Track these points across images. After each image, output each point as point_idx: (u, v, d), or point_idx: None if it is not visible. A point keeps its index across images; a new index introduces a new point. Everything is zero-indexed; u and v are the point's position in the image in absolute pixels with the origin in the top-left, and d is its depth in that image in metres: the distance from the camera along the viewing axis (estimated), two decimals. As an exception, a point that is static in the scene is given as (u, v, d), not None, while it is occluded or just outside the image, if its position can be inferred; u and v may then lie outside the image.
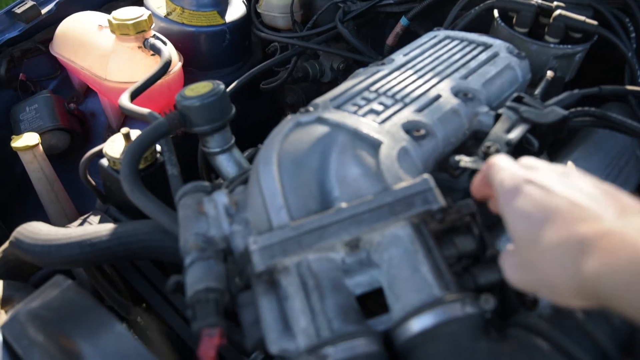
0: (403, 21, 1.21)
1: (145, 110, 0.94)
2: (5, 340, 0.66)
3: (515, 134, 0.66)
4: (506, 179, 0.50)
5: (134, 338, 0.56)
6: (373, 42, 1.43)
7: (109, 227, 0.84)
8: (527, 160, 0.53)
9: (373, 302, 0.62)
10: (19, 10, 1.25)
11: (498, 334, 0.54)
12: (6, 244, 0.93)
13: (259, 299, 0.58)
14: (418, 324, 0.52)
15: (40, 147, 1.15)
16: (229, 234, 0.64)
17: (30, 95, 1.31)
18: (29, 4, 1.25)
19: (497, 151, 0.64)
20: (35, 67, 1.34)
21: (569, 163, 0.84)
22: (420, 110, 0.71)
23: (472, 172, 0.66)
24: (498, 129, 0.68)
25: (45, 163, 1.17)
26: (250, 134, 1.15)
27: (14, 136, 1.15)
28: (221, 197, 0.66)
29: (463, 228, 0.60)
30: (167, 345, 0.86)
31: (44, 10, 1.28)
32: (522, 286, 0.47)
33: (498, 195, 0.51)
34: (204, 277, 0.58)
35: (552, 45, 0.91)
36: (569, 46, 0.91)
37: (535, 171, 0.50)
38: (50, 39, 1.30)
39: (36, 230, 0.86)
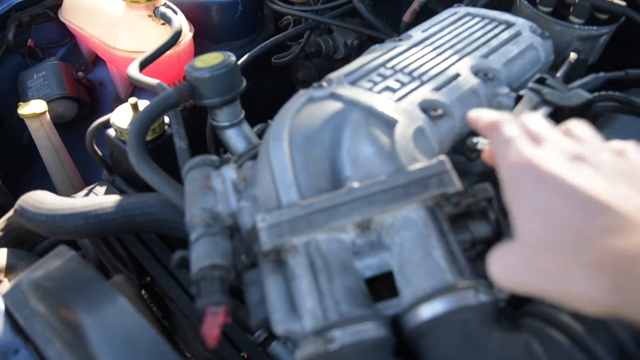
0: (421, -2, 1.17)
1: (154, 81, 0.92)
2: (7, 309, 0.66)
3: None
4: (507, 160, 0.42)
5: (136, 311, 0.55)
6: (389, 19, 1.39)
7: (114, 198, 0.82)
8: (548, 129, 0.44)
9: (382, 285, 0.60)
10: (27, -26, 1.22)
11: (511, 324, 0.52)
12: (11, 212, 0.92)
13: (265, 278, 0.56)
14: (429, 310, 0.50)
15: (48, 115, 1.13)
16: (237, 210, 0.62)
17: (39, 62, 1.29)
18: (38, -33, 1.23)
19: (518, 134, 0.61)
20: (44, 34, 1.31)
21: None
22: (438, 89, 0.68)
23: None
24: (519, 111, 0.65)
25: (52, 131, 1.15)
26: (261, 109, 1.12)
27: (21, 103, 1.13)
28: (229, 172, 0.64)
29: (478, 213, 0.58)
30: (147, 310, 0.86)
31: (53, -25, 1.26)
32: (522, 290, 0.40)
33: (500, 179, 0.43)
34: (210, 254, 0.56)
35: (576, 26, 0.87)
36: (595, 28, 0.87)
37: (548, 148, 0.41)
38: (59, 4, 1.27)
39: (41, 199, 0.84)
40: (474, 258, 0.57)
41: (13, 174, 1.30)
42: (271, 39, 1.24)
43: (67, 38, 1.35)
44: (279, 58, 1.36)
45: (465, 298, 0.50)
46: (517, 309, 0.55)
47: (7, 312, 0.65)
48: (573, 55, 0.84)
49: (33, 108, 1.11)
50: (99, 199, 0.83)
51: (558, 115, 0.67)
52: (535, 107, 0.64)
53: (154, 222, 0.82)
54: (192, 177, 0.66)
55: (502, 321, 0.51)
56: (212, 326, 0.52)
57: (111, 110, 1.25)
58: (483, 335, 0.49)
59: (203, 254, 0.57)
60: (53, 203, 0.83)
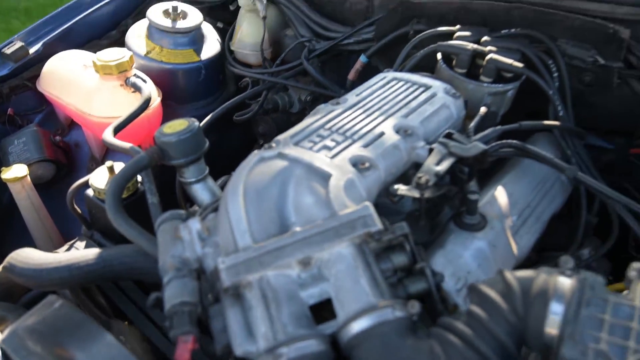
0: (362, 58, 1.35)
1: (127, 145, 1.05)
2: (4, 353, 0.76)
3: (442, 167, 0.78)
4: None
5: (123, 347, 0.66)
6: (339, 75, 1.56)
7: (94, 251, 0.94)
8: None
9: (328, 310, 0.73)
10: (8, 51, 1.35)
11: (425, 333, 0.66)
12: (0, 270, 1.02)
13: (226, 310, 0.69)
14: (357, 326, 0.63)
15: (29, 178, 1.24)
16: (201, 255, 0.75)
17: (18, 128, 1.41)
18: (18, 44, 1.36)
19: (427, 181, 0.76)
20: (23, 102, 1.43)
21: (499, 187, 0.97)
22: (366, 146, 0.83)
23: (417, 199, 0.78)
24: (430, 161, 0.80)
25: (32, 192, 1.26)
26: (227, 161, 1.26)
27: (3, 168, 1.24)
28: (195, 224, 0.77)
29: (398, 246, 0.72)
30: (150, 356, 0.95)
31: (31, 50, 1.39)
32: None
33: None
34: (180, 293, 0.69)
35: (485, 85, 1.05)
36: (500, 85, 1.05)
37: None
38: (37, 75, 1.40)
39: (29, 256, 0.95)
40: (395, 283, 0.71)
41: (-4, 235, 1.40)
42: (232, 100, 1.39)
43: (43, 105, 1.47)
44: (240, 115, 1.51)
45: (385, 315, 0.63)
46: (434, 322, 0.69)
47: (5, 356, 0.75)
48: (483, 109, 1.01)
49: (15, 172, 1.22)
50: (80, 252, 0.94)
51: (464, 162, 0.83)
52: (442, 158, 0.80)
53: (131, 270, 0.93)
54: (163, 229, 0.79)
55: (416, 331, 0.64)
56: (183, 352, 0.64)
57: (87, 170, 1.36)
58: (398, 344, 0.62)
59: (174, 294, 0.69)
60: (40, 258, 0.94)
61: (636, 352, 0.55)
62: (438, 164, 0.79)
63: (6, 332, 0.78)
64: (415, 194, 0.76)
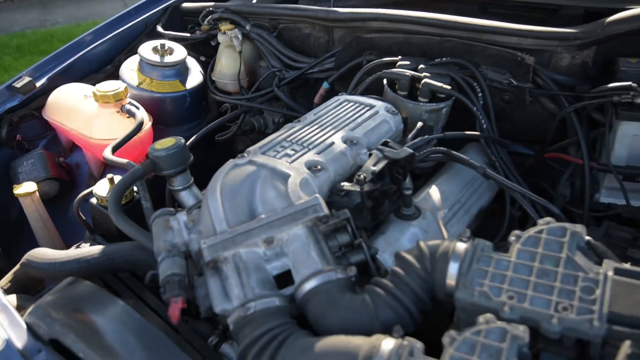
0: (325, 85, 1.55)
1: (124, 160, 1.24)
2: (29, 327, 0.93)
3: (378, 167, 0.98)
4: None
5: (131, 309, 0.84)
6: (308, 100, 1.77)
7: (99, 247, 1.11)
8: None
9: (289, 280, 0.91)
10: (18, 85, 1.54)
11: (362, 290, 0.84)
12: (16, 267, 1.18)
13: (207, 280, 0.87)
14: (308, 286, 0.82)
15: (37, 193, 1.42)
16: (188, 240, 0.94)
17: (25, 152, 1.59)
18: (26, 79, 1.55)
19: (365, 178, 0.96)
20: (30, 129, 1.61)
21: (433, 186, 1.17)
22: (318, 153, 1.03)
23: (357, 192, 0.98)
24: (368, 163, 1.00)
25: (40, 206, 1.43)
26: (210, 176, 1.45)
27: (15, 185, 1.41)
28: (182, 216, 0.96)
29: (342, 228, 0.91)
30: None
31: (38, 84, 1.58)
32: None
33: None
34: (171, 267, 0.87)
35: (422, 104, 1.26)
36: (434, 104, 1.26)
37: None
38: (42, 105, 1.59)
39: (43, 253, 1.12)
40: (340, 256, 0.89)
41: (6, 243, 1.55)
42: (213, 122, 1.59)
43: (47, 131, 1.65)
44: (221, 136, 1.70)
45: (329, 276, 0.82)
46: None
47: (28, 326, 0.92)
48: (420, 124, 1.22)
49: (26, 188, 1.40)
50: (87, 249, 1.11)
51: (398, 164, 1.03)
52: (378, 161, 1.00)
53: (129, 262, 1.11)
54: (157, 222, 0.97)
55: (354, 289, 0.83)
56: (175, 309, 0.82)
57: (86, 186, 1.54)
58: (339, 297, 0.81)
59: (166, 268, 0.87)
60: (52, 254, 1.11)
61: (508, 291, 0.74)
62: (375, 165, 0.99)
63: (30, 308, 0.96)
64: (356, 188, 0.96)
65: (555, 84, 1.23)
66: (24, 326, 0.93)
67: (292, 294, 0.85)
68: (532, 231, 0.80)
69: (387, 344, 0.69)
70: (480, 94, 1.28)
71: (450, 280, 0.77)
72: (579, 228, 0.78)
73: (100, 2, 6.98)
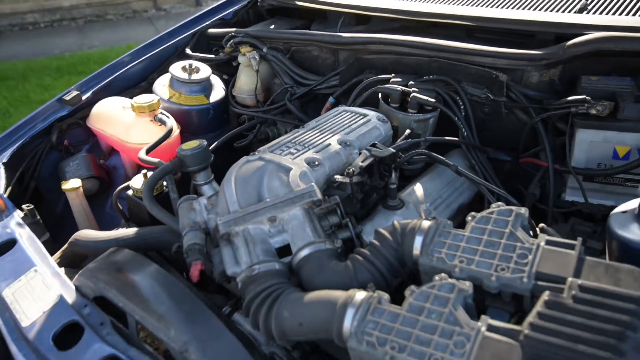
0: (330, 99, 1.75)
1: (155, 160, 1.44)
2: (78, 289, 1.13)
3: (365, 163, 1.16)
4: None
5: (164, 271, 1.04)
6: (317, 112, 1.97)
7: (134, 229, 1.31)
8: None
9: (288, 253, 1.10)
10: (67, 98, 1.77)
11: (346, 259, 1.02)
12: (65, 246, 1.40)
13: (222, 250, 1.06)
14: (302, 254, 1.00)
15: (81, 189, 1.64)
16: (207, 219, 1.13)
17: (71, 155, 1.82)
18: (74, 93, 1.78)
19: (353, 171, 1.15)
20: (75, 136, 1.84)
21: (418, 184, 1.35)
22: (317, 152, 1.22)
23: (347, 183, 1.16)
24: (357, 160, 1.18)
25: (84, 200, 1.65)
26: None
27: (63, 181, 1.64)
28: (203, 200, 1.16)
29: (333, 211, 1.09)
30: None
31: (84, 97, 1.81)
32: None
33: None
34: (193, 238, 1.06)
35: (410, 114, 1.44)
36: (421, 115, 1.45)
37: None
38: (87, 115, 1.82)
39: (88, 234, 1.33)
40: (330, 233, 1.08)
41: (53, 234, 1.77)
42: (232, 131, 1.79)
43: (90, 138, 1.88)
44: (239, 143, 1.90)
45: (319, 246, 1.00)
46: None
47: (77, 287, 1.12)
48: (407, 131, 1.40)
49: (72, 184, 1.62)
50: (124, 230, 1.32)
51: (382, 161, 1.22)
52: (366, 158, 1.19)
53: (158, 242, 1.30)
54: (182, 205, 1.17)
55: (340, 258, 1.01)
56: (195, 270, 1.01)
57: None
58: (327, 263, 0.99)
59: (189, 239, 1.07)
60: (96, 235, 1.32)
61: (460, 258, 0.91)
62: (363, 161, 1.18)
63: (78, 273, 1.16)
64: (346, 180, 1.15)
65: (527, 98, 1.40)
66: (73, 287, 1.14)
67: (289, 262, 1.04)
68: (485, 212, 0.97)
69: (360, 295, 0.87)
70: (462, 107, 1.46)
71: (416, 250, 0.95)
72: (523, 210, 0.95)
73: (133, 28, 7.40)
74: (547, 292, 0.80)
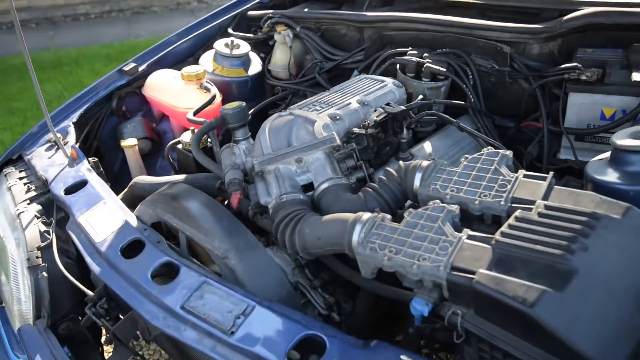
0: (355, 72, 1.93)
1: (201, 119, 1.66)
2: (138, 217, 1.35)
3: (379, 118, 1.35)
4: None
5: (213, 199, 1.25)
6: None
7: (183, 175, 1.53)
8: None
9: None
10: (126, 69, 2.01)
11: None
12: (125, 191, 1.63)
13: (257, 185, 1.26)
14: (322, 187, 1.19)
15: (137, 147, 1.88)
16: (245, 161, 1.34)
17: (126, 119, 2.07)
18: (132, 65, 2.02)
19: (368, 124, 1.34)
20: (131, 103, 2.08)
21: (427, 142, 1.52)
22: (339, 109, 1.41)
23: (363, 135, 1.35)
24: (373, 115, 1.36)
25: (138, 156, 1.89)
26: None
27: (121, 140, 1.89)
28: (242, 146, 1.37)
29: (350, 156, 1.29)
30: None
31: (140, 68, 2.05)
32: None
33: None
34: (234, 174, 1.27)
35: (424, 82, 1.61)
36: (434, 83, 1.61)
37: None
38: (142, 85, 2.06)
39: (145, 179, 1.57)
40: (347, 174, 1.27)
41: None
42: (268, 100, 2.00)
43: (144, 105, 2.12)
44: (273, 112, 2.11)
45: (336, 181, 1.19)
46: (366, 194, 1.25)
47: (137, 217, 1.35)
48: (420, 97, 1.57)
49: (129, 142, 1.86)
50: (175, 176, 1.54)
51: (396, 117, 1.40)
52: (380, 114, 1.37)
53: (203, 186, 1.51)
54: (225, 151, 1.38)
55: (353, 191, 1.20)
56: (234, 199, 1.22)
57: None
58: (343, 194, 1.18)
59: (230, 175, 1.27)
60: (152, 179, 1.55)
61: (451, 188, 1.08)
62: (377, 117, 1.37)
63: (139, 205, 1.39)
64: (362, 131, 1.33)
65: (528, 68, 1.55)
66: (134, 216, 1.37)
67: (312, 195, 1.24)
68: (477, 154, 1.15)
69: (367, 215, 1.05)
70: (470, 76, 1.62)
71: (416, 183, 1.13)
72: (508, 152, 1.12)
73: (176, 19, 7.69)
74: (518, 211, 0.97)
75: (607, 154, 1.20)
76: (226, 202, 1.35)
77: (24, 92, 5.35)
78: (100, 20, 8.07)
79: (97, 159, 1.71)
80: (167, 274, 1.17)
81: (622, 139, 1.13)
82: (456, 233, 0.96)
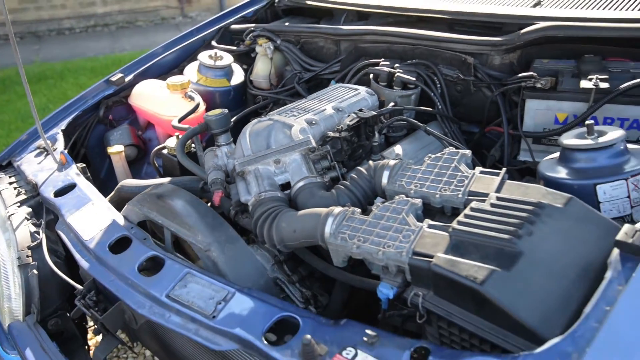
0: (332, 82, 2.03)
1: (186, 126, 1.75)
2: (125, 217, 1.43)
3: (352, 122, 1.45)
4: None
5: (197, 197, 1.33)
6: (323, 97, 2.26)
7: (169, 179, 1.61)
8: None
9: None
10: (113, 79, 2.09)
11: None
12: (112, 194, 1.70)
13: (237, 184, 1.35)
14: (298, 185, 1.28)
15: (123, 153, 1.96)
16: (227, 163, 1.42)
17: (113, 128, 2.14)
18: (119, 75, 2.10)
19: (342, 127, 1.44)
20: (118, 112, 2.16)
21: (398, 145, 1.63)
22: (315, 114, 1.51)
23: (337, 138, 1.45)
24: (346, 120, 1.47)
25: (125, 163, 1.96)
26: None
27: (109, 147, 1.96)
28: (224, 149, 1.46)
29: (324, 158, 1.38)
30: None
31: (127, 78, 2.14)
32: None
33: None
34: (216, 175, 1.35)
35: (395, 91, 1.72)
36: (404, 91, 1.73)
37: None
38: (128, 94, 2.14)
39: (131, 182, 1.64)
40: (322, 173, 1.36)
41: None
42: (250, 108, 2.09)
43: (130, 114, 2.20)
44: (255, 121, 2.20)
45: (311, 180, 1.29)
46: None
47: (124, 216, 1.42)
48: (391, 104, 1.68)
49: (116, 148, 1.93)
50: (161, 179, 1.62)
51: (366, 122, 1.50)
52: (353, 119, 1.47)
53: (187, 188, 1.60)
54: (207, 154, 1.47)
55: (328, 189, 1.30)
56: (217, 197, 1.31)
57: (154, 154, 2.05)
58: (317, 192, 1.27)
59: (213, 175, 1.35)
60: (138, 182, 1.62)
61: (415, 184, 1.18)
62: (350, 121, 1.47)
63: (126, 205, 1.46)
64: (336, 134, 1.43)
65: (490, 77, 1.67)
66: (121, 216, 1.44)
67: (289, 193, 1.33)
68: (439, 154, 1.25)
69: (339, 208, 1.14)
70: (438, 85, 1.74)
71: (384, 181, 1.23)
72: (467, 152, 1.23)
73: (161, 34, 7.79)
74: (473, 202, 1.07)
75: (558, 154, 1.31)
76: (209, 203, 1.43)
77: (8, 105, 5.37)
78: (85, 35, 8.13)
79: (85, 165, 1.78)
80: (152, 268, 1.24)
81: (569, 140, 1.25)
82: (418, 223, 1.06)
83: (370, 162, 1.29)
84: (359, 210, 1.14)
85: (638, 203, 1.18)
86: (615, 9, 1.65)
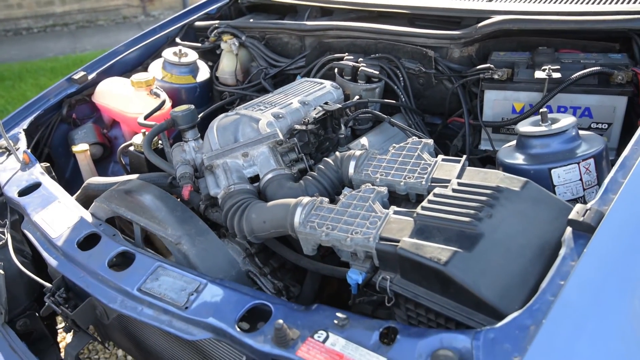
0: (298, 77, 2.04)
1: (152, 123, 1.74)
2: (92, 214, 1.41)
3: (318, 115, 1.47)
4: None
5: (164, 191, 1.33)
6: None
7: (136, 175, 1.60)
8: None
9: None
10: (75, 77, 2.05)
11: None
12: (78, 192, 1.68)
13: (206, 178, 1.35)
14: (266, 177, 1.29)
15: (89, 152, 1.92)
16: (195, 158, 1.42)
17: (76, 127, 2.10)
18: (81, 73, 2.06)
19: (309, 122, 1.45)
20: (81, 111, 2.12)
21: (364, 137, 1.66)
22: (281, 108, 1.53)
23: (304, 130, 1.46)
24: (312, 113, 1.49)
25: (90, 161, 1.92)
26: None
27: (73, 146, 1.92)
28: (192, 144, 1.45)
29: (291, 151, 1.40)
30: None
31: (90, 77, 2.09)
32: None
33: None
34: (184, 169, 1.35)
35: (359, 85, 1.76)
36: (368, 85, 1.76)
37: None
38: (92, 93, 2.11)
39: (98, 179, 1.62)
40: (289, 165, 1.38)
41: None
42: (216, 104, 2.09)
43: (94, 112, 2.16)
44: (222, 117, 2.20)
45: (279, 172, 1.30)
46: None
47: (92, 214, 1.41)
48: (356, 97, 1.71)
49: (81, 147, 1.89)
50: (128, 176, 1.60)
51: (332, 114, 1.52)
52: (319, 112, 1.49)
53: (155, 184, 1.60)
54: (175, 149, 1.46)
55: (296, 180, 1.32)
56: (185, 191, 1.31)
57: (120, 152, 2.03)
58: (285, 183, 1.28)
59: (181, 170, 1.35)
60: (105, 179, 1.60)
61: (381, 172, 1.21)
62: (317, 114, 1.49)
63: (93, 202, 1.44)
64: (303, 127, 1.45)
65: (450, 70, 1.73)
66: (89, 213, 1.42)
67: (258, 186, 1.34)
68: (402, 143, 1.29)
69: (307, 198, 1.17)
70: (401, 78, 1.78)
71: (351, 171, 1.25)
72: (430, 141, 1.27)
73: (123, 33, 7.62)
74: (436, 188, 1.11)
75: (515, 142, 1.37)
76: (179, 199, 1.43)
77: (-36, 107, 5.17)
78: (44, 35, 7.88)
79: (49, 165, 1.74)
80: (123, 263, 1.23)
81: (525, 127, 1.30)
82: (384, 210, 1.09)
83: (337, 152, 1.31)
84: (327, 199, 1.16)
85: (590, 185, 1.25)
86: (566, 3, 1.73)
